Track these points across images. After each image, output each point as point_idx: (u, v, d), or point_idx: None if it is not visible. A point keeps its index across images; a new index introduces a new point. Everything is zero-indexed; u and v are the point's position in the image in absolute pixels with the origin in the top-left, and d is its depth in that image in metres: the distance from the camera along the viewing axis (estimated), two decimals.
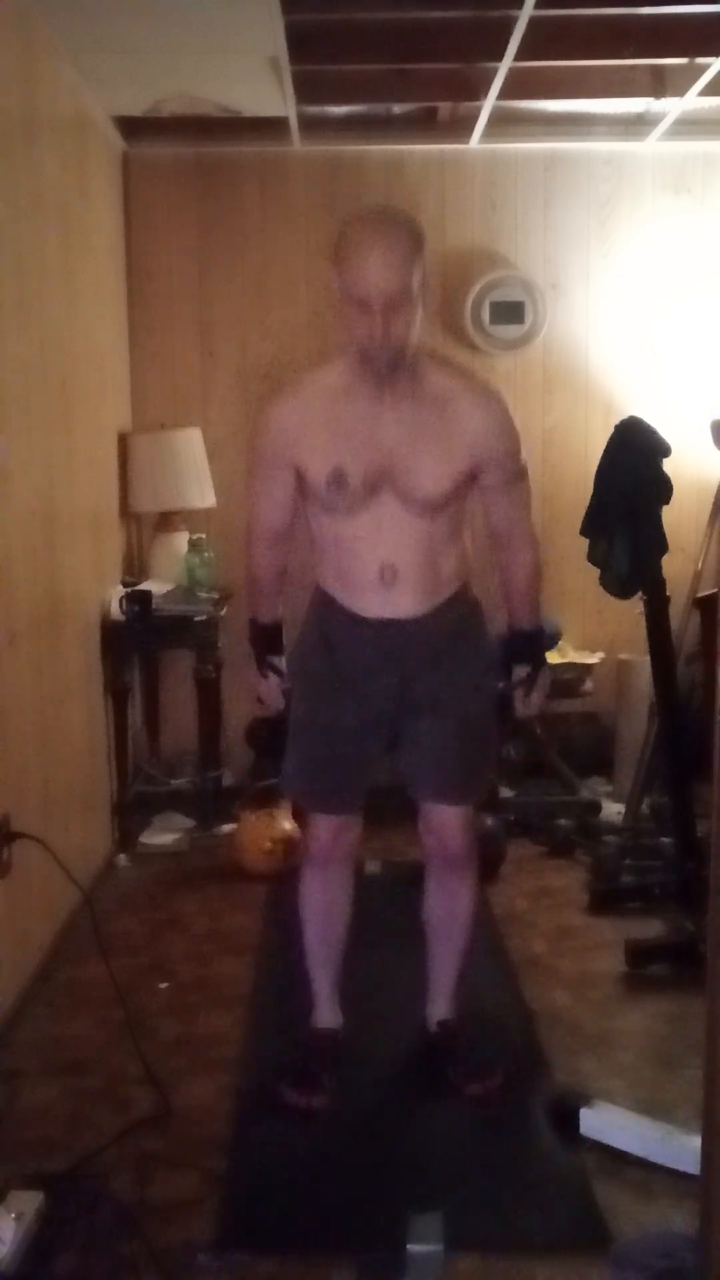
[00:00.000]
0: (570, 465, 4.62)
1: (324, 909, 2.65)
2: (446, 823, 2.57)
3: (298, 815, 3.62)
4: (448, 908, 2.65)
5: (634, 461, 3.33)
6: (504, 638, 2.64)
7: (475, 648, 2.54)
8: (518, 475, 2.49)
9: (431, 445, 2.36)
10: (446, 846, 2.60)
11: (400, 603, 2.41)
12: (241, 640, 4.67)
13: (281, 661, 2.61)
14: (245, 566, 2.65)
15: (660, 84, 4.04)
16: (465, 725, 2.50)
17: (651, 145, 4.54)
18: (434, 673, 2.47)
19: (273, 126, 4.34)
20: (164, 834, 4.26)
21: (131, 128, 4.43)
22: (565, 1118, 2.41)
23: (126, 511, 4.45)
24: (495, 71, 3.76)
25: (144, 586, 4.17)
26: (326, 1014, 2.70)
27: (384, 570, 2.39)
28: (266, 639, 2.66)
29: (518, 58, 3.61)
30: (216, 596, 4.34)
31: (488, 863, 3.52)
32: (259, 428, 2.50)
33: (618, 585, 3.39)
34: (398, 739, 2.52)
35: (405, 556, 2.39)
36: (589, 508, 3.43)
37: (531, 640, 2.61)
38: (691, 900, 3.32)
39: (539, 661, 2.61)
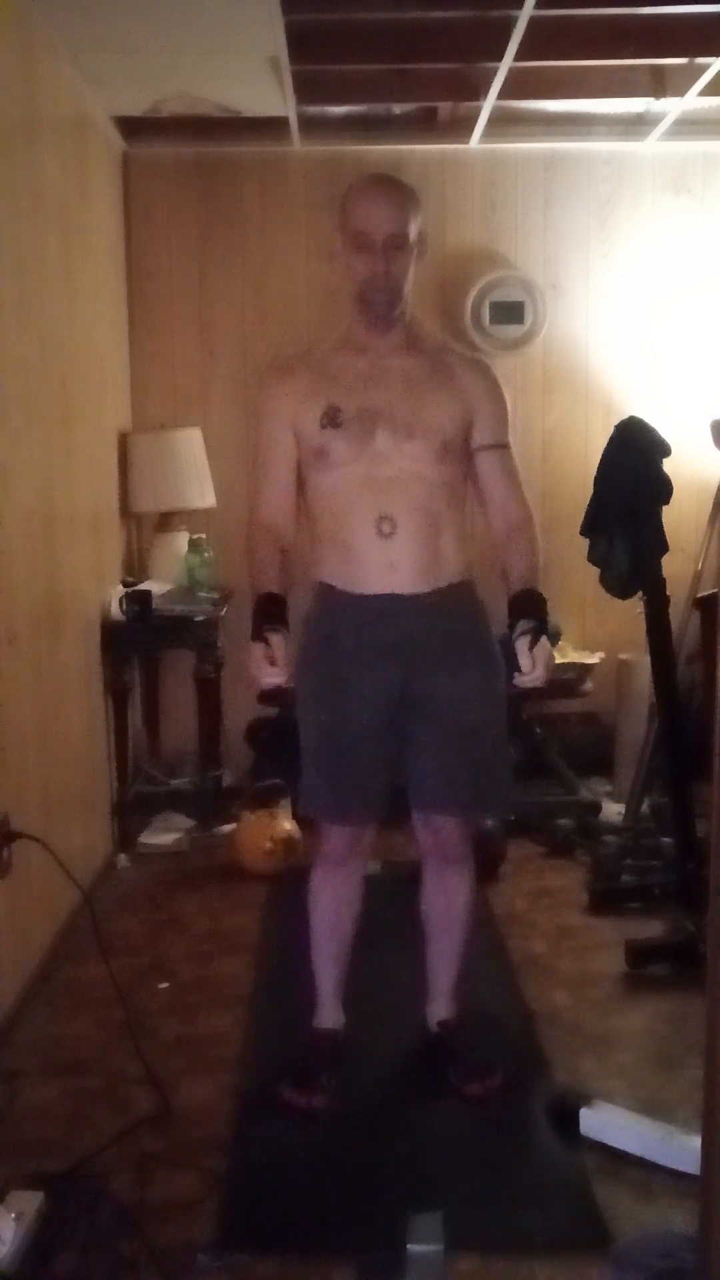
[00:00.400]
0: (570, 465, 4.62)
1: (334, 909, 2.64)
2: (444, 822, 2.57)
3: (299, 815, 3.63)
4: (445, 905, 2.65)
5: (634, 461, 3.33)
6: (508, 600, 2.59)
7: (479, 649, 2.52)
8: (505, 443, 2.53)
9: (427, 389, 2.45)
10: (443, 844, 2.60)
11: (401, 572, 2.41)
12: (241, 640, 4.68)
13: (280, 637, 2.50)
14: (247, 540, 2.58)
15: (660, 84, 4.04)
16: (471, 733, 2.48)
17: (651, 145, 4.54)
18: (437, 668, 2.45)
19: (273, 126, 4.34)
20: (164, 834, 4.26)
21: (131, 128, 4.43)
22: (565, 1118, 2.41)
23: (126, 511, 4.45)
24: (495, 71, 3.76)
25: (144, 586, 4.17)
26: (329, 1014, 2.70)
27: (381, 522, 2.39)
28: (266, 607, 2.55)
29: (518, 58, 3.61)
30: (216, 596, 4.34)
31: (488, 863, 3.53)
32: (263, 386, 2.54)
33: (618, 585, 3.39)
34: (404, 741, 2.50)
35: (403, 506, 2.40)
36: (589, 508, 3.43)
37: (533, 598, 2.56)
38: (691, 900, 3.32)
39: (542, 619, 2.56)
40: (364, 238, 2.38)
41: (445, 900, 2.65)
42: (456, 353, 2.60)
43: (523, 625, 2.49)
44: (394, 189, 2.46)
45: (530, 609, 2.52)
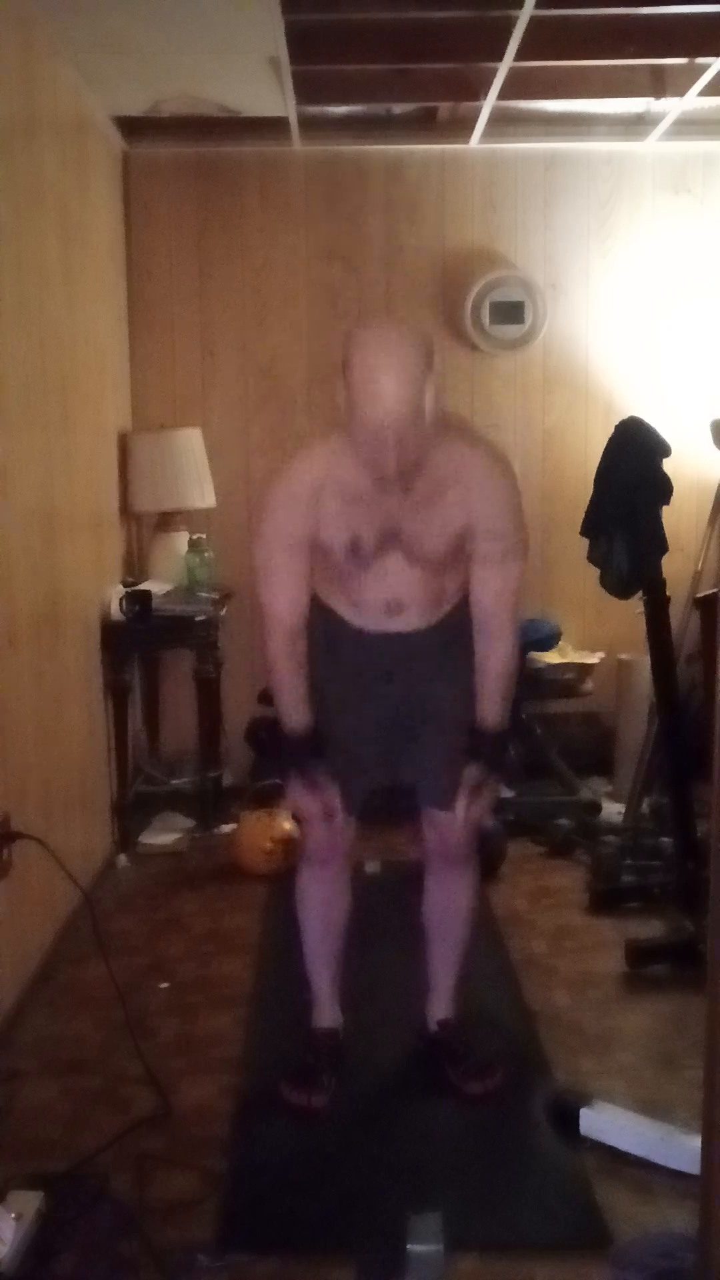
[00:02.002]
0: (570, 465, 4.62)
1: (322, 908, 2.65)
2: (447, 819, 2.57)
3: (298, 815, 3.62)
4: (446, 905, 2.66)
5: (634, 461, 3.33)
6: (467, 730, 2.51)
7: (471, 660, 2.52)
8: (512, 552, 2.39)
9: (436, 514, 2.33)
10: (446, 843, 2.60)
11: (403, 618, 2.43)
12: (241, 640, 4.69)
13: (323, 780, 2.43)
14: (267, 668, 2.46)
15: (660, 84, 4.04)
16: (464, 734, 2.50)
17: (651, 145, 4.54)
18: (433, 683, 2.48)
19: (273, 126, 4.34)
20: (164, 834, 4.26)
21: (131, 128, 4.43)
22: (565, 1118, 2.41)
23: (126, 511, 4.45)
24: (495, 71, 3.76)
25: (144, 586, 4.17)
26: (326, 1014, 2.71)
27: (390, 605, 2.41)
28: (305, 747, 2.46)
29: (518, 58, 3.61)
30: (216, 596, 4.34)
31: (488, 863, 3.53)
32: (268, 505, 2.40)
33: (618, 585, 3.39)
34: (399, 753, 2.54)
35: (410, 593, 2.40)
36: (589, 508, 3.43)
37: (492, 741, 2.47)
38: (691, 900, 3.32)
39: (494, 765, 2.49)
40: (369, 420, 2.15)
41: (447, 901, 2.66)
42: (472, 457, 2.36)
43: (469, 773, 2.45)
44: (401, 364, 2.13)
45: (485, 753, 2.47)
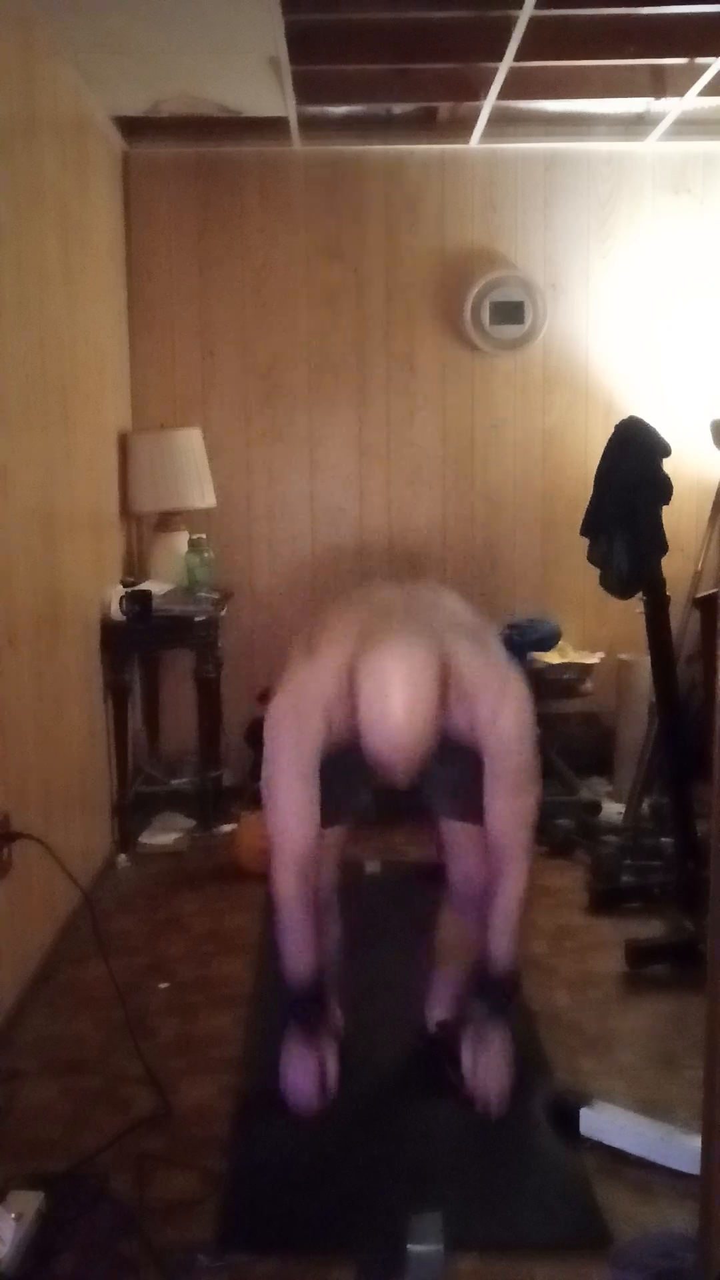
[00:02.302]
0: (570, 465, 4.63)
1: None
2: (466, 832, 2.49)
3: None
4: (463, 936, 2.61)
5: (634, 461, 3.33)
6: (475, 972, 2.36)
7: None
8: (520, 788, 2.28)
9: (452, 763, 2.27)
10: (470, 881, 2.51)
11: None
12: (241, 640, 4.69)
13: (329, 1038, 2.24)
14: (274, 886, 2.26)
15: (660, 84, 4.04)
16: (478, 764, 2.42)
17: (651, 145, 4.54)
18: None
19: (273, 126, 4.34)
20: (164, 834, 4.26)
21: (131, 128, 4.43)
22: (565, 1118, 2.41)
23: (126, 511, 4.45)
24: (495, 71, 3.76)
25: (144, 586, 4.17)
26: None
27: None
28: (307, 1001, 2.28)
29: (518, 58, 3.61)
30: (216, 596, 4.34)
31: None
32: (278, 724, 2.22)
33: (618, 585, 3.39)
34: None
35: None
36: (589, 508, 3.43)
37: (500, 987, 2.31)
38: (691, 900, 3.32)
39: (502, 1012, 2.28)
40: (380, 759, 2.09)
41: (464, 929, 2.59)
42: (482, 692, 2.22)
43: (476, 1009, 2.27)
44: (414, 705, 2.03)
45: (491, 997, 2.26)
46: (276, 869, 2.23)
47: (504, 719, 2.23)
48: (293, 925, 2.23)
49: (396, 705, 2.02)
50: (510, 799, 2.27)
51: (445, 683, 2.08)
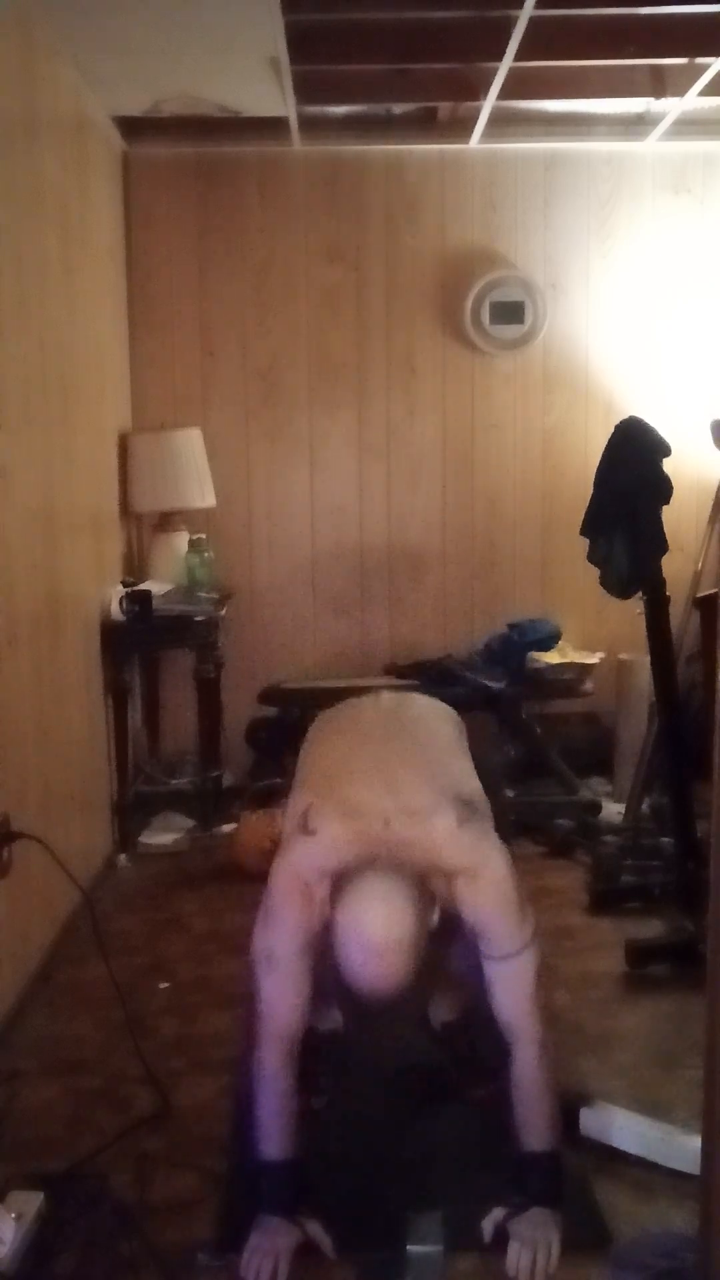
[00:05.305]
0: (570, 465, 4.63)
1: None
2: None
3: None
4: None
5: (634, 461, 3.33)
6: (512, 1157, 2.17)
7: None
8: (514, 951, 2.14)
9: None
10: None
11: None
12: (241, 640, 4.70)
13: (293, 1234, 2.02)
14: (254, 1077, 2.13)
15: (660, 84, 4.04)
16: None
17: (651, 145, 4.54)
18: None
19: (273, 126, 4.34)
20: (164, 834, 4.26)
21: (131, 128, 4.43)
22: (565, 1118, 2.40)
23: (126, 511, 4.45)
24: (495, 71, 3.77)
25: (144, 586, 4.17)
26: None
27: None
28: (280, 1184, 2.09)
29: (518, 58, 3.61)
30: (216, 596, 4.34)
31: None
32: (276, 892, 2.11)
33: (618, 585, 3.39)
34: None
35: None
36: (589, 508, 3.42)
37: (543, 1165, 2.10)
38: (691, 900, 3.32)
39: (551, 1198, 2.07)
40: (361, 995, 2.00)
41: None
42: (458, 876, 2.10)
43: (527, 1214, 2.04)
44: (390, 990, 1.96)
45: (535, 1182, 2.08)
46: (262, 1044, 2.12)
47: (483, 897, 2.12)
48: (273, 1102, 2.11)
49: (374, 954, 1.94)
50: (507, 974, 2.15)
51: (427, 895, 2.01)
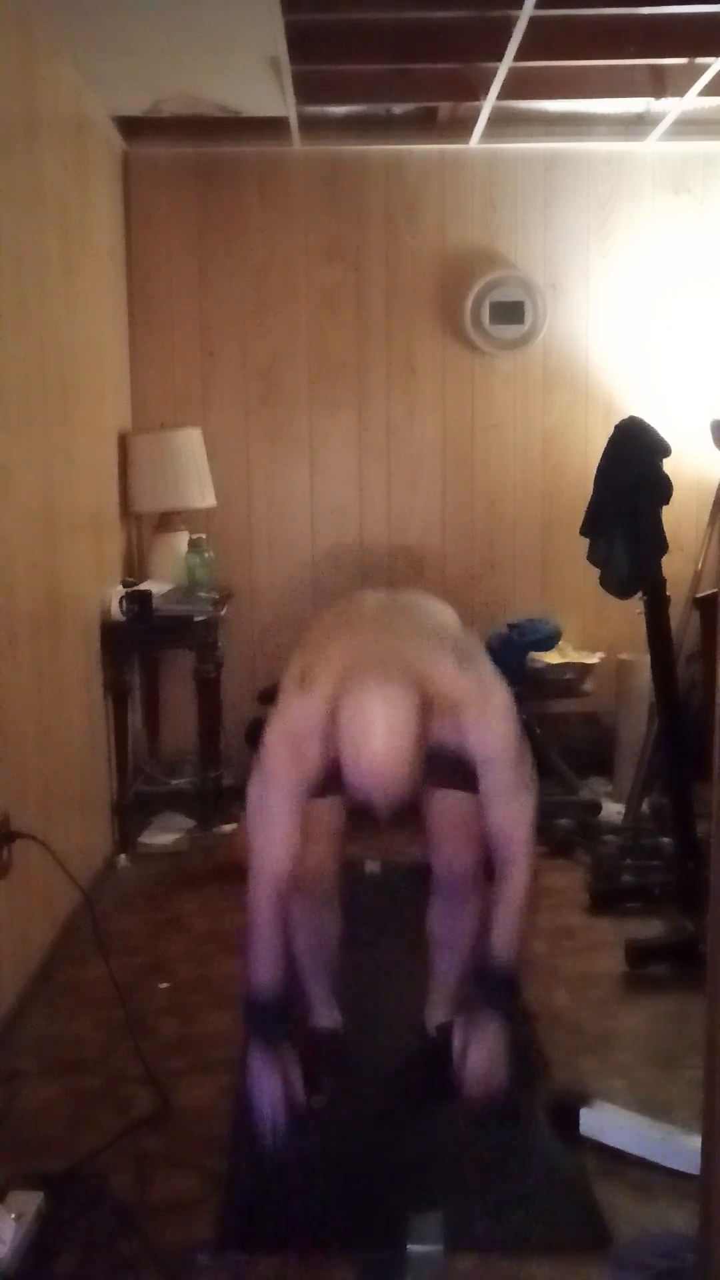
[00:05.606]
0: (570, 465, 4.63)
1: (307, 911, 2.62)
2: (454, 799, 2.47)
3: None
4: (452, 925, 2.62)
5: (634, 461, 3.33)
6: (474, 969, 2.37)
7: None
8: (515, 793, 2.30)
9: (444, 777, 2.31)
10: (452, 867, 2.54)
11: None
12: (241, 640, 4.69)
13: (291, 1055, 2.25)
14: (247, 917, 2.29)
15: (660, 84, 4.04)
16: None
17: (651, 145, 4.54)
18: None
19: (273, 126, 4.34)
20: (164, 834, 4.26)
21: (131, 128, 4.43)
22: (565, 1118, 2.41)
23: (126, 511, 4.45)
24: (495, 71, 3.77)
25: (144, 586, 4.17)
26: (324, 1015, 2.70)
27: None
28: (270, 1015, 2.29)
29: (518, 58, 3.61)
30: (216, 596, 4.34)
31: (488, 862, 3.52)
32: (272, 745, 2.25)
33: (618, 585, 3.39)
34: None
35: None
36: (589, 508, 3.43)
37: (501, 974, 2.29)
38: (691, 900, 3.32)
39: (497, 1003, 2.27)
40: (361, 795, 2.10)
41: (453, 922, 2.61)
42: (463, 712, 2.22)
43: (473, 996, 2.26)
44: (395, 745, 2.03)
45: (491, 997, 2.28)
46: (254, 885, 2.28)
47: (489, 732, 2.25)
48: (263, 936, 2.27)
49: (375, 748, 2.03)
50: (507, 804, 2.30)
51: (428, 709, 2.09)
